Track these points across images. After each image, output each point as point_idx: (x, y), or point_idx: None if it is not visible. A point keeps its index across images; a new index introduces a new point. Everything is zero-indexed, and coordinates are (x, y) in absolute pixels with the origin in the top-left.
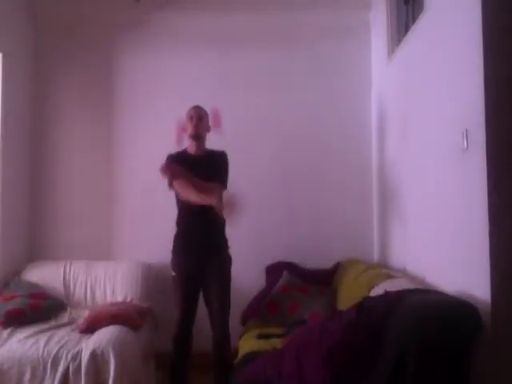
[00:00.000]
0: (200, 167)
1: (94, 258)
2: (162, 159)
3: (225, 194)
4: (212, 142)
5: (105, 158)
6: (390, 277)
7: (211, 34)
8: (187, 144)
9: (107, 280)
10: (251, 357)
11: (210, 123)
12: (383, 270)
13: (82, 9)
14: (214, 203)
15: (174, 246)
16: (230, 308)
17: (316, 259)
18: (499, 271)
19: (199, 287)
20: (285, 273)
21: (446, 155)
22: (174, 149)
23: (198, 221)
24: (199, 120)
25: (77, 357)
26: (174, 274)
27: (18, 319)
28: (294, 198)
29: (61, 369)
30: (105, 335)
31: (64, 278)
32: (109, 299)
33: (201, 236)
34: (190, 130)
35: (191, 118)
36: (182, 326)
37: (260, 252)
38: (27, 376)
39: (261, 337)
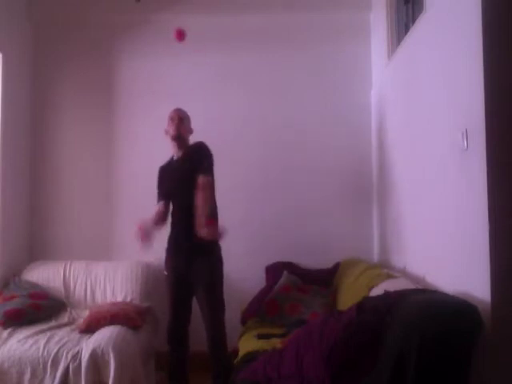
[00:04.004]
0: (181, 166)
1: (94, 258)
2: (161, 159)
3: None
4: (212, 141)
5: (105, 158)
6: (390, 277)
7: (211, 35)
8: (171, 147)
9: (107, 280)
10: (251, 357)
11: (174, 36)
12: (383, 269)
13: (81, 9)
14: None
15: (168, 245)
16: (223, 308)
17: (316, 259)
18: (499, 271)
19: (190, 288)
20: (285, 273)
21: (446, 155)
22: (170, 149)
23: (188, 221)
24: (180, 121)
25: (77, 357)
26: (165, 273)
27: (17, 319)
28: (294, 198)
29: (61, 369)
30: (105, 335)
31: (64, 277)
32: (109, 299)
33: (190, 236)
34: (171, 130)
35: (172, 119)
36: (173, 326)
37: (260, 252)
38: (27, 376)
39: (261, 337)
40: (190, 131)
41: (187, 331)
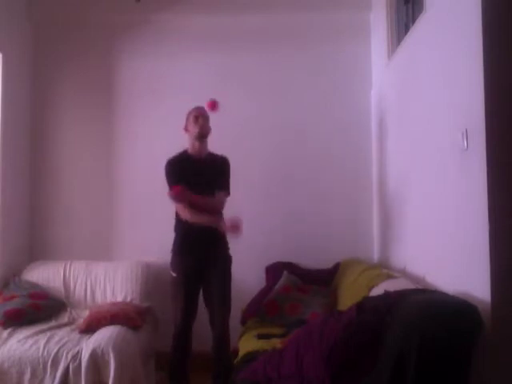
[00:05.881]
0: (202, 171)
1: (94, 258)
2: (161, 159)
3: (228, 217)
4: (212, 142)
5: (105, 158)
6: (390, 277)
7: (211, 35)
8: (189, 144)
9: (107, 280)
10: (251, 357)
11: (207, 108)
12: (383, 270)
13: (82, 9)
14: (217, 224)
15: (175, 246)
16: (230, 308)
17: (316, 259)
18: (499, 271)
19: (200, 287)
20: (285, 273)
21: (446, 155)
22: (171, 149)
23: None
24: (205, 120)
25: (77, 357)
26: (174, 275)
27: (17, 319)
28: (294, 198)
29: (61, 369)
30: (105, 335)
31: (64, 277)
32: (109, 299)
33: (203, 236)
34: (196, 129)
35: (196, 118)
36: (183, 326)
37: (260, 252)
38: (27, 376)
39: (261, 337)
40: (210, 130)
41: (192, 330)
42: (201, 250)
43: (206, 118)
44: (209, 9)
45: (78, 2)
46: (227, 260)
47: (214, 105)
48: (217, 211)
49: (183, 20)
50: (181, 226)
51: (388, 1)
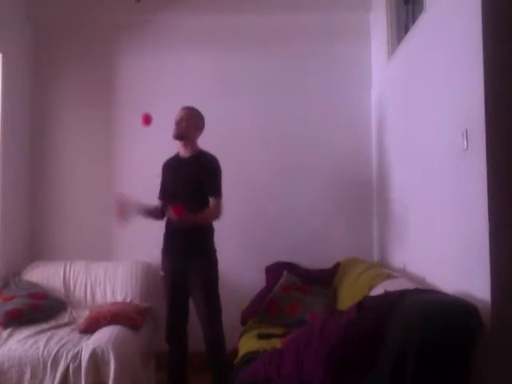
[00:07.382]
0: (182, 170)
1: (94, 258)
2: (161, 159)
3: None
4: (211, 142)
5: (104, 159)
6: (390, 277)
7: (211, 35)
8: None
9: (107, 280)
10: (251, 357)
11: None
12: (383, 269)
13: (82, 9)
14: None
15: (162, 246)
16: (219, 309)
17: (316, 259)
18: (499, 271)
19: (186, 288)
20: (285, 273)
21: (446, 155)
22: (171, 150)
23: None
24: (181, 121)
25: (77, 357)
26: (162, 273)
27: (17, 319)
28: (294, 198)
29: (61, 369)
30: (105, 335)
31: (64, 277)
32: (109, 299)
33: (183, 238)
34: (173, 131)
35: (175, 120)
36: (171, 325)
37: (260, 252)
38: (27, 376)
39: (261, 337)
40: (198, 129)
41: (186, 331)
42: (182, 252)
43: (182, 120)
44: (209, 9)
45: (78, 2)
46: (210, 263)
47: (146, 119)
48: (213, 220)
49: (183, 20)
50: (166, 226)
51: (388, 1)
